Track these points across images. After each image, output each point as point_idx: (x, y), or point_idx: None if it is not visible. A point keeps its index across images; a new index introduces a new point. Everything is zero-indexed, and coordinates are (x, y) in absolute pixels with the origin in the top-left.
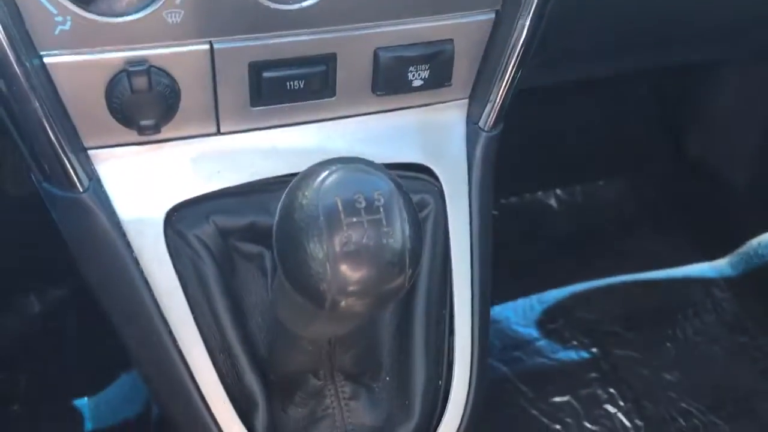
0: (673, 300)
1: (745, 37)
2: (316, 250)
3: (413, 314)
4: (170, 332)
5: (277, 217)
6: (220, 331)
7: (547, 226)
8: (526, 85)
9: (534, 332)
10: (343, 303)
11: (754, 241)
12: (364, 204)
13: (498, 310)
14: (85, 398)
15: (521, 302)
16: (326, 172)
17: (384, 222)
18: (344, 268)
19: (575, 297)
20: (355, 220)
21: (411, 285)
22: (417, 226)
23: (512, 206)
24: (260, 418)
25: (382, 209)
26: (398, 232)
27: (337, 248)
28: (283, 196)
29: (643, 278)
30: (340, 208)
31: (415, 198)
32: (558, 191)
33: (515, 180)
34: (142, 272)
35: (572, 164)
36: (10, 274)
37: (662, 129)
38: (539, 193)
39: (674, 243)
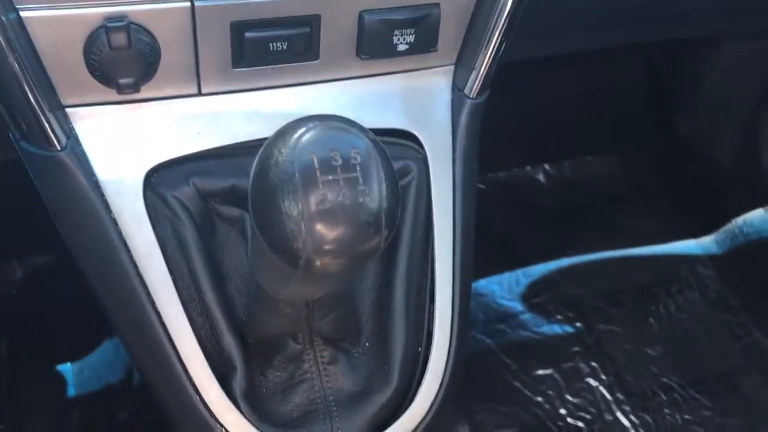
0: (657, 276)
1: (739, 12)
2: (291, 207)
3: (394, 281)
4: (148, 294)
5: (252, 174)
6: (199, 294)
7: (535, 200)
8: (517, 58)
9: (518, 305)
10: (317, 262)
11: (739, 219)
12: (340, 162)
13: (483, 284)
14: (69, 363)
15: (507, 276)
16: (303, 129)
17: (360, 180)
18: (319, 226)
19: (560, 271)
20: (330, 177)
21: (391, 250)
22: (394, 185)
23: (500, 180)
24: (238, 382)
25: (358, 167)
26: (375, 192)
27: (313, 206)
28: (259, 153)
29: (629, 254)
30: (316, 165)
31: (399, 164)
32: (546, 166)
33: (504, 154)
34: (120, 233)
35: (561, 139)
36: None
37: (652, 105)
38: (527, 167)
39: (661, 220)
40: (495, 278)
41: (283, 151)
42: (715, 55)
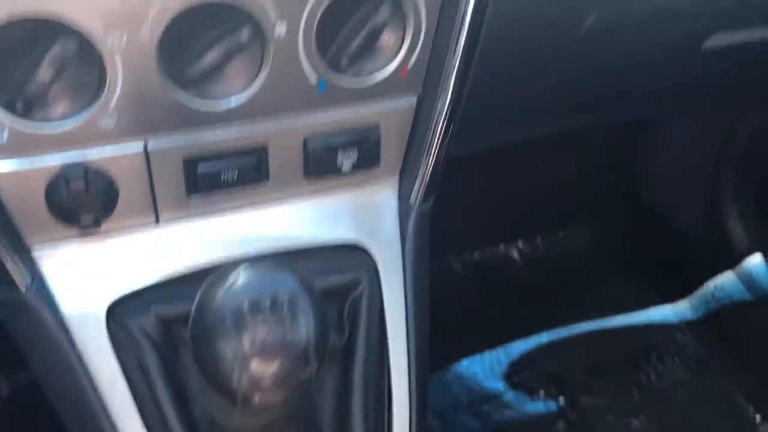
0: (636, 345)
1: (683, 94)
2: (225, 349)
3: (352, 390)
4: (112, 425)
5: (191, 317)
6: (162, 419)
7: (511, 278)
8: (473, 150)
9: (501, 386)
10: (255, 399)
11: (710, 284)
12: (269, 303)
13: (465, 365)
14: None
15: (488, 356)
16: (235, 273)
17: (288, 319)
18: (252, 365)
19: (540, 348)
20: (260, 318)
21: (348, 360)
22: (321, 320)
23: (475, 260)
24: None
25: (286, 307)
26: (302, 328)
27: (245, 347)
28: (197, 298)
29: (606, 326)
30: (246, 308)
31: (349, 276)
32: (519, 243)
33: (477, 235)
34: (85, 367)
35: (532, 216)
36: None
37: (616, 178)
38: (501, 246)
39: (636, 288)
40: (476, 359)
41: (216, 296)
42: (670, 130)
